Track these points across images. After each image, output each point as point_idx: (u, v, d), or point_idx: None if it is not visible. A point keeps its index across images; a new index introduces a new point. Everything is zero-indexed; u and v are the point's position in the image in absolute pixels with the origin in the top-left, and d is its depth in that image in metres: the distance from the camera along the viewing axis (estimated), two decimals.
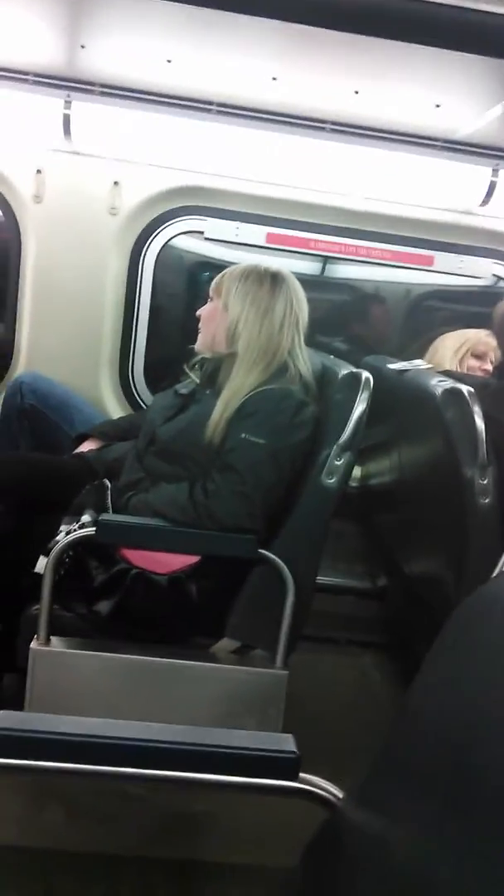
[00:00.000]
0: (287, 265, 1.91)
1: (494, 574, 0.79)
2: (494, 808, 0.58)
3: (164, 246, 2.53)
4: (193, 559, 1.66)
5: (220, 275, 1.84)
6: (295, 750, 0.87)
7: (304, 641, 1.74)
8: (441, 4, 1.37)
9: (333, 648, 2.38)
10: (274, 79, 1.82)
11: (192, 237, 2.58)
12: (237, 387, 1.71)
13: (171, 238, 2.54)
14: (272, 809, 1.06)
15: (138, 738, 0.85)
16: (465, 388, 1.61)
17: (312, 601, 1.70)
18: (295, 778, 0.87)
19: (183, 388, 1.92)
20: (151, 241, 2.49)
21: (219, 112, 2.04)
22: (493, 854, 0.57)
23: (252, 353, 1.75)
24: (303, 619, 1.66)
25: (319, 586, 1.76)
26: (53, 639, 1.60)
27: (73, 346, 2.47)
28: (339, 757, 0.96)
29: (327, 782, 0.88)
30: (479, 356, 2.37)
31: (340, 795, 0.88)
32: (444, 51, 1.48)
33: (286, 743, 0.88)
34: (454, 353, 2.37)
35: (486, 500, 1.51)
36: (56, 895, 1.30)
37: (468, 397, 1.59)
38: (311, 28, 1.45)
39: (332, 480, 1.64)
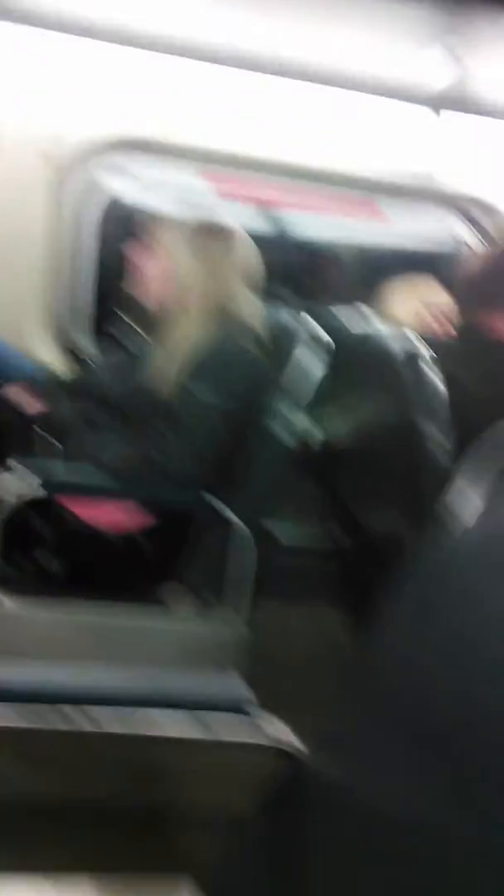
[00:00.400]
0: (239, 221, 1.87)
1: (470, 522, 0.78)
2: (454, 752, 0.60)
3: (103, 195, 2.44)
4: (149, 518, 1.65)
5: (165, 226, 1.80)
6: (253, 700, 0.88)
7: (265, 599, 1.76)
8: None
9: (294, 605, 2.40)
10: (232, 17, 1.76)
11: (135, 189, 2.50)
12: (187, 339, 1.69)
13: (112, 187, 2.45)
14: (230, 757, 1.07)
15: (91, 682, 0.85)
16: (420, 346, 1.61)
17: (272, 558, 1.72)
18: (253, 730, 0.87)
19: (129, 341, 1.89)
20: (90, 189, 2.39)
21: (168, 50, 1.96)
22: (453, 783, 0.58)
23: (205, 309, 1.72)
24: (263, 576, 1.68)
25: (280, 545, 1.78)
26: (4, 598, 1.58)
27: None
28: (300, 707, 0.97)
29: (286, 728, 0.89)
30: (432, 311, 2.37)
31: (299, 742, 0.90)
32: None
33: (244, 694, 0.89)
34: (407, 306, 2.36)
35: (443, 458, 1.53)
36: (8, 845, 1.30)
37: (426, 356, 1.59)
38: None
39: (288, 436, 1.65)
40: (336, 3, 1.59)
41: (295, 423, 1.66)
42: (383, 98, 2.09)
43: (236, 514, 1.62)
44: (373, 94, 2.07)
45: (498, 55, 1.79)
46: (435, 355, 1.59)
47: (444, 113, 2.13)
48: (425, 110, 2.14)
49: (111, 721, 0.86)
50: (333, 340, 1.76)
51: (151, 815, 1.48)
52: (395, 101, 2.11)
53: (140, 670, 0.92)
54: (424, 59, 1.84)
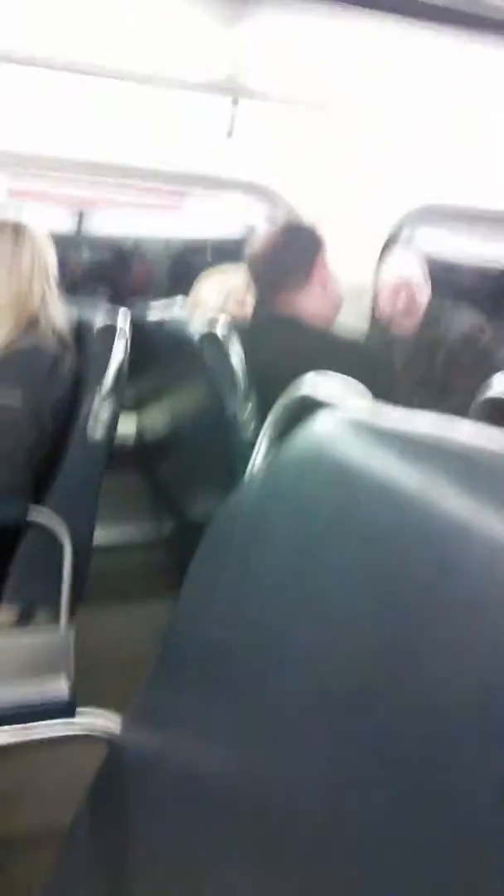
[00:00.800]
0: (42, 221, 1.81)
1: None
2: (250, 689, 0.61)
3: None
4: None
5: None
6: (70, 689, 0.85)
7: (94, 601, 1.71)
8: None
9: (125, 604, 2.37)
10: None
11: None
12: None
13: None
14: (58, 760, 1.04)
15: None
16: (220, 329, 1.64)
17: (93, 556, 1.68)
18: (72, 717, 0.84)
19: None
20: None
21: None
22: (267, 739, 0.59)
23: (2, 309, 1.66)
24: (84, 576, 1.63)
25: (105, 545, 1.74)
26: None
27: None
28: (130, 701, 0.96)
29: (106, 714, 0.87)
30: (239, 297, 2.44)
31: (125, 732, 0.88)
32: None
33: (60, 685, 0.86)
34: (216, 294, 2.41)
35: (249, 433, 1.56)
36: None
37: (224, 337, 1.62)
38: None
39: (99, 432, 1.62)
40: None
41: (107, 417, 1.63)
42: (176, 90, 2.11)
43: (52, 515, 1.56)
44: (165, 86, 2.08)
45: (280, 46, 1.86)
46: (235, 335, 1.63)
47: (236, 102, 2.19)
48: (218, 101, 2.19)
49: None
50: (138, 332, 1.75)
51: None
52: (188, 93, 2.14)
53: None
54: (214, 50, 1.88)
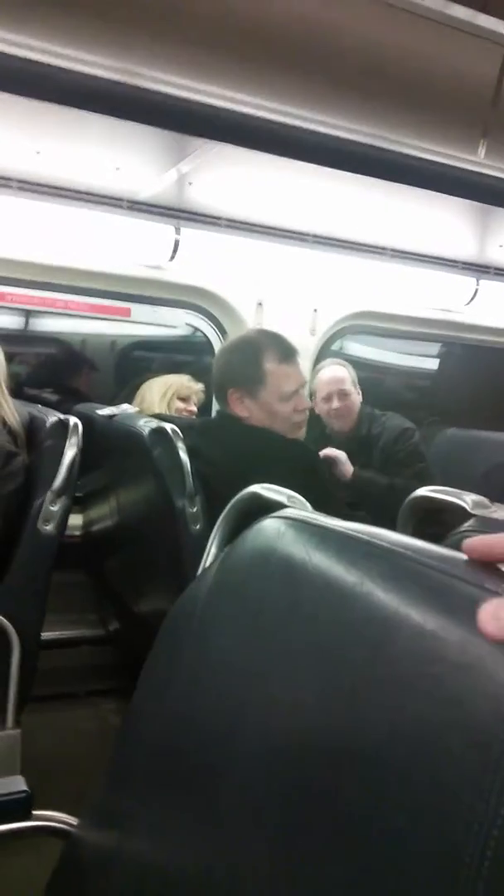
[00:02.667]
0: None
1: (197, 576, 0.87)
2: (203, 783, 0.65)
3: None
4: None
5: None
6: (25, 788, 0.86)
7: (40, 700, 1.69)
8: (114, 80, 1.49)
9: (71, 702, 2.33)
10: None
11: None
12: None
13: None
14: (16, 869, 1.02)
15: None
16: (168, 426, 1.71)
17: (39, 655, 1.67)
18: (29, 816, 0.86)
19: None
20: None
21: None
22: (219, 826, 0.63)
23: None
24: (31, 674, 1.62)
25: (51, 640, 1.74)
26: None
27: None
28: (81, 798, 0.96)
29: (63, 814, 0.88)
30: (184, 399, 2.55)
31: (79, 829, 0.89)
32: (118, 119, 1.61)
33: (16, 784, 0.87)
34: (161, 397, 2.52)
35: (197, 527, 1.62)
36: None
37: (172, 434, 1.69)
38: None
39: (49, 527, 1.65)
40: (89, 128, 1.73)
41: (54, 510, 1.66)
42: (131, 213, 2.27)
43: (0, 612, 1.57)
44: (122, 209, 2.24)
45: (217, 177, 2.05)
46: (180, 432, 1.70)
47: (181, 223, 2.37)
48: (166, 221, 2.36)
49: None
50: (89, 430, 1.81)
51: None
52: (142, 216, 2.30)
53: None
54: (163, 179, 2.05)
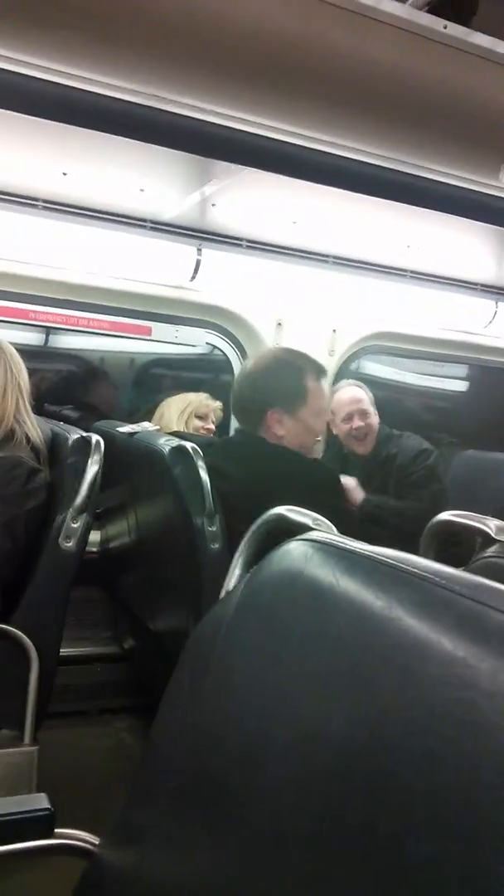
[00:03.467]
0: (10, 337, 1.91)
1: (221, 597, 0.87)
2: (228, 804, 0.65)
3: None
4: None
5: None
6: (48, 807, 0.87)
7: (55, 717, 1.70)
8: (141, 105, 1.53)
9: (86, 719, 2.33)
10: None
11: None
12: None
13: None
14: (38, 886, 1.02)
15: None
16: (189, 445, 1.73)
17: (57, 671, 1.67)
18: (51, 834, 0.86)
19: None
20: None
21: None
22: (242, 851, 0.63)
23: None
24: (48, 691, 1.63)
25: (66, 657, 1.74)
26: None
27: None
28: (98, 816, 0.97)
29: (85, 833, 0.88)
30: (202, 417, 2.57)
31: (100, 847, 0.89)
32: (144, 142, 1.64)
33: (38, 802, 0.88)
34: (179, 414, 2.54)
35: (216, 546, 1.63)
36: None
37: (192, 453, 1.70)
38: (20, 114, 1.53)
39: (69, 544, 1.65)
40: (115, 151, 1.77)
41: (75, 527, 1.68)
42: (154, 233, 2.30)
43: (19, 628, 1.57)
44: (146, 230, 2.27)
45: (240, 199, 2.08)
46: (200, 451, 1.71)
47: (202, 244, 2.40)
48: (188, 242, 2.40)
49: None
50: (109, 447, 1.82)
51: None
52: (164, 236, 2.34)
53: None
54: (187, 201, 2.08)
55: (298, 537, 0.78)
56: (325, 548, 0.73)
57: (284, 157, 1.62)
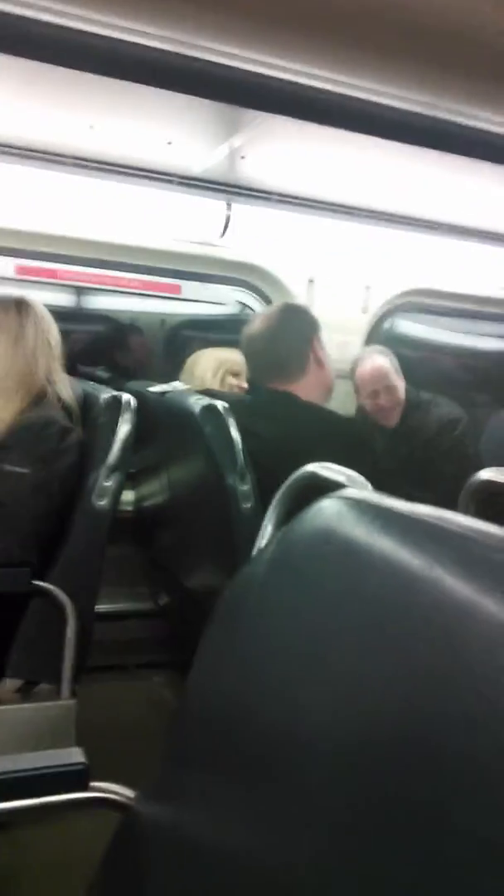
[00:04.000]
0: (40, 298, 1.90)
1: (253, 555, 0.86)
2: (264, 768, 0.65)
3: None
4: None
5: None
6: (83, 760, 0.88)
7: (93, 672, 1.72)
8: (167, 51, 1.47)
9: (123, 674, 2.37)
10: (8, 112, 1.83)
11: None
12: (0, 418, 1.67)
13: None
14: (74, 839, 1.04)
15: None
16: (219, 404, 1.71)
17: (94, 627, 1.70)
18: (86, 788, 0.87)
19: None
20: None
21: None
22: (278, 815, 0.62)
23: (10, 383, 1.72)
24: (86, 647, 1.65)
25: (103, 613, 1.76)
26: None
27: None
28: (136, 771, 0.98)
29: (120, 786, 0.89)
30: (237, 374, 2.54)
31: (135, 802, 0.90)
32: (173, 92, 1.59)
33: (73, 756, 0.89)
34: (214, 373, 2.51)
35: (248, 505, 1.62)
36: None
37: (223, 412, 1.69)
38: (45, 64, 1.49)
39: (103, 502, 1.66)
40: (142, 102, 1.72)
41: (108, 486, 1.68)
42: (182, 188, 2.26)
43: (56, 585, 1.59)
44: (174, 184, 2.23)
45: (270, 151, 2.01)
46: (231, 409, 1.69)
47: (232, 199, 2.35)
48: (217, 197, 2.34)
49: None
50: (140, 407, 1.82)
51: None
52: (193, 191, 2.29)
53: None
54: (215, 154, 2.03)
55: (332, 494, 0.76)
56: (360, 505, 0.71)
57: (316, 104, 1.56)
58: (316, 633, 0.66)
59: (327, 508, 0.74)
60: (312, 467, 0.85)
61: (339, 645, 0.62)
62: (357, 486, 0.77)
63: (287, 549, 0.76)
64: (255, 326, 1.89)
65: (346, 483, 0.77)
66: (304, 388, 1.81)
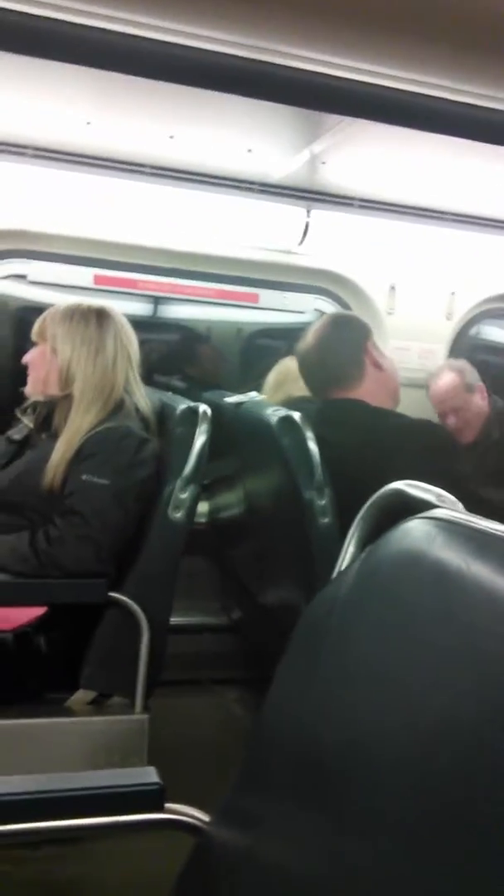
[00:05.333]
0: (118, 307, 1.91)
1: (333, 576, 0.82)
2: (349, 794, 0.61)
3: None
4: (39, 611, 1.59)
5: (41, 318, 1.80)
6: (158, 781, 0.85)
7: (165, 686, 1.71)
8: (249, 59, 1.46)
9: (195, 689, 2.35)
10: (88, 123, 1.85)
11: (15, 282, 2.53)
12: (76, 427, 1.68)
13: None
14: (148, 857, 1.02)
15: None
16: (297, 415, 1.67)
17: (168, 641, 1.68)
18: (161, 809, 0.84)
19: (15, 433, 1.85)
20: None
21: (35, 156, 2.03)
22: (351, 842, 0.59)
23: (89, 393, 1.72)
24: (159, 660, 1.64)
25: (175, 626, 1.75)
26: None
27: None
28: (207, 790, 0.96)
29: (194, 809, 0.87)
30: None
31: (209, 824, 0.87)
32: (253, 99, 1.57)
33: (149, 775, 0.86)
34: (276, 385, 2.46)
35: (326, 520, 1.57)
36: None
37: (301, 423, 1.65)
38: (123, 74, 1.49)
39: (178, 515, 1.65)
40: (212, 114, 1.72)
41: (183, 498, 1.67)
42: (262, 195, 2.24)
43: (130, 598, 1.59)
44: (254, 192, 2.22)
45: (351, 156, 1.98)
46: (309, 420, 1.65)
47: (312, 205, 2.31)
48: (297, 204, 2.32)
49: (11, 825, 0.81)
50: (216, 418, 1.80)
51: None
52: (273, 198, 2.27)
53: (48, 774, 0.87)
54: (296, 160, 2.01)
55: (420, 515, 0.71)
56: (452, 527, 0.66)
57: (401, 107, 1.51)
58: (405, 659, 0.62)
59: (416, 529, 0.69)
60: (398, 485, 0.81)
61: (431, 672, 0.59)
62: (448, 505, 0.72)
63: (373, 569, 0.72)
64: (306, 341, 1.86)
65: (435, 503, 0.72)
66: (368, 395, 1.77)
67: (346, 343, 1.82)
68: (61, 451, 1.65)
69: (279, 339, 3.05)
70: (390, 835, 0.54)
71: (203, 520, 2.43)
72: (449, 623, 0.59)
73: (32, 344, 1.82)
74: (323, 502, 1.58)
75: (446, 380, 2.55)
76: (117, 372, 1.75)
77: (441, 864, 0.48)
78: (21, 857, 1.45)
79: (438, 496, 0.74)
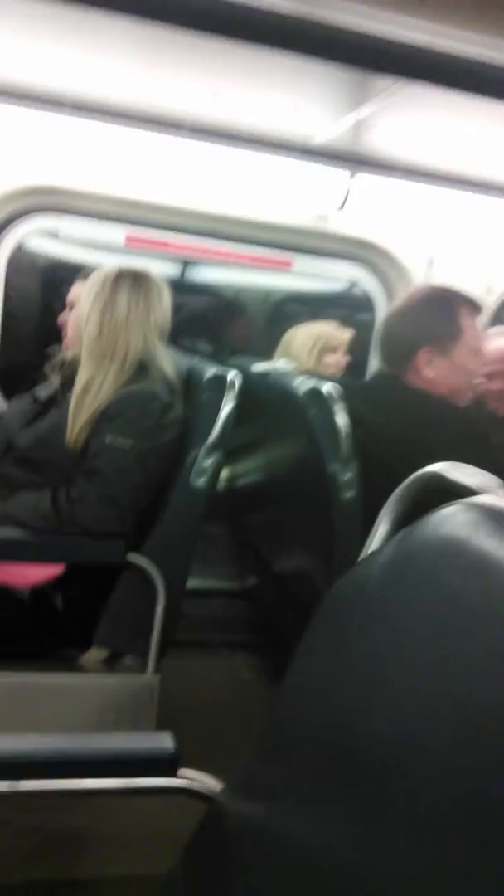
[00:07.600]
0: (149, 267, 1.88)
1: (361, 557, 0.80)
2: (374, 778, 0.60)
3: (16, 248, 2.43)
4: (57, 569, 1.59)
5: (80, 277, 1.86)
6: (173, 746, 0.85)
7: (176, 646, 1.72)
8: (293, 16, 1.40)
9: (206, 651, 2.36)
10: (132, 74, 1.80)
11: (47, 239, 2.49)
12: (101, 388, 1.66)
13: (23, 238, 2.43)
14: (154, 816, 1.03)
15: (6, 749, 0.79)
16: (325, 387, 1.64)
17: (183, 604, 1.69)
18: (174, 774, 0.84)
19: (42, 391, 1.84)
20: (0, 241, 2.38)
21: (74, 108, 1.98)
22: (371, 822, 0.58)
23: (93, 347, 1.70)
24: (173, 623, 1.64)
25: (189, 589, 1.75)
26: None
27: None
28: (217, 754, 0.96)
29: (207, 776, 0.87)
30: (333, 350, 2.44)
31: (221, 790, 0.88)
32: (300, 57, 1.51)
33: (164, 740, 0.86)
34: (309, 351, 2.42)
35: (350, 494, 1.55)
36: None
37: (329, 395, 1.62)
38: (169, 27, 1.44)
39: (201, 481, 1.64)
40: (258, 71, 1.66)
41: (207, 465, 1.65)
42: (305, 157, 2.18)
43: (149, 559, 1.59)
44: (296, 154, 2.15)
45: (400, 121, 1.91)
46: (339, 393, 1.62)
47: (357, 168, 2.25)
48: (339, 169, 2.25)
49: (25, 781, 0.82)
50: (242, 384, 1.77)
51: (68, 886, 1.40)
52: (312, 162, 2.20)
53: (53, 731, 0.88)
54: (341, 123, 1.94)
55: (463, 500, 0.69)
56: (497, 515, 0.64)
57: (460, 71, 1.45)
58: (448, 649, 0.61)
59: (458, 515, 0.67)
60: (438, 467, 0.78)
61: (476, 663, 0.57)
62: (492, 491, 0.69)
63: (409, 554, 0.70)
64: (398, 305, 1.82)
65: (478, 489, 0.70)
66: (443, 375, 1.72)
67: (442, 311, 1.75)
68: (73, 409, 1.64)
69: (307, 305, 3.00)
70: (419, 828, 0.53)
71: (222, 485, 2.42)
72: (490, 614, 0.58)
73: (60, 301, 1.83)
74: (347, 476, 1.56)
75: (499, 343, 2.49)
76: (130, 331, 1.71)
77: (481, 869, 0.48)
78: (27, 805, 1.48)
79: (482, 482, 0.71)
